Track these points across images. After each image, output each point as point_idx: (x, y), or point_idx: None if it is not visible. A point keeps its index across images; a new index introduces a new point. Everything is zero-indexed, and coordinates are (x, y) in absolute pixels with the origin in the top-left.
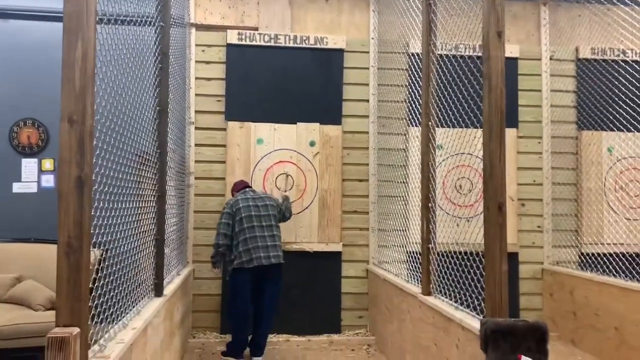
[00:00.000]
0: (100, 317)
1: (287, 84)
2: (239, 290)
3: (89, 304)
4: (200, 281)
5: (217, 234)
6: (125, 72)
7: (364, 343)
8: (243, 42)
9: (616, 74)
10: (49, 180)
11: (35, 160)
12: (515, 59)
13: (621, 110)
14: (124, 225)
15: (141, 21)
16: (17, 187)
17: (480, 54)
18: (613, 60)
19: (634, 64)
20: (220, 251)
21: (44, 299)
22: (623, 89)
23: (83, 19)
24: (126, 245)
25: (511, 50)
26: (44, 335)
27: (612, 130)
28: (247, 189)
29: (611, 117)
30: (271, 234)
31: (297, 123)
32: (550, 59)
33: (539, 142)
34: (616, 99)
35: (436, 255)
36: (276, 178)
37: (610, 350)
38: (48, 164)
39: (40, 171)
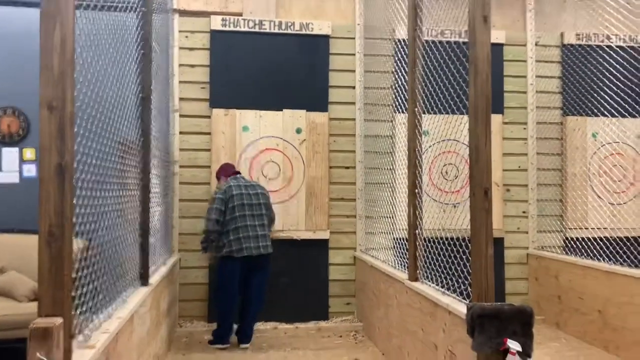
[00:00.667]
0: (85, 307)
1: (273, 70)
2: (228, 278)
3: (73, 294)
4: (186, 270)
5: (208, 219)
6: (106, 58)
7: (352, 329)
8: (227, 28)
9: (601, 60)
10: (30, 170)
11: (17, 149)
12: (501, 45)
13: (606, 96)
14: (107, 214)
15: (122, 7)
16: None
17: (466, 40)
18: (598, 46)
19: (618, 49)
20: (211, 238)
21: (28, 289)
22: (608, 74)
23: (61, 2)
24: (110, 234)
25: (497, 36)
26: (28, 326)
27: (596, 115)
28: (239, 176)
29: (596, 103)
30: (261, 223)
31: (283, 110)
32: (536, 44)
33: (524, 128)
34: (601, 84)
35: (423, 241)
36: (262, 166)
37: (593, 333)
38: (29, 153)
39: (22, 161)
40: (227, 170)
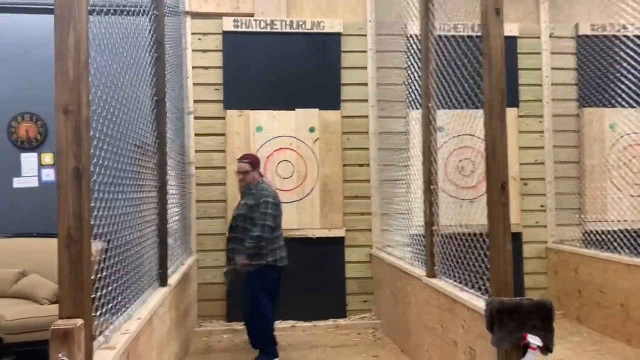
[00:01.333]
0: (105, 308)
1: (285, 70)
2: (268, 288)
3: (93, 296)
4: (204, 270)
5: (262, 225)
6: (120, 62)
7: (370, 327)
8: (239, 29)
9: (617, 50)
10: (49, 175)
11: (35, 154)
12: (515, 37)
13: (623, 86)
14: (125, 216)
15: (135, 10)
16: (17, 182)
17: (479, 34)
18: (613, 36)
19: (635, 38)
20: (262, 245)
21: (49, 292)
22: (624, 64)
23: (74, 7)
24: (129, 236)
25: (510, 28)
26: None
27: (614, 106)
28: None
29: (613, 94)
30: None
31: (296, 109)
32: (550, 36)
33: (540, 121)
34: (618, 74)
35: (440, 238)
36: (276, 165)
37: (615, 326)
38: (48, 157)
39: (40, 165)
40: (259, 165)
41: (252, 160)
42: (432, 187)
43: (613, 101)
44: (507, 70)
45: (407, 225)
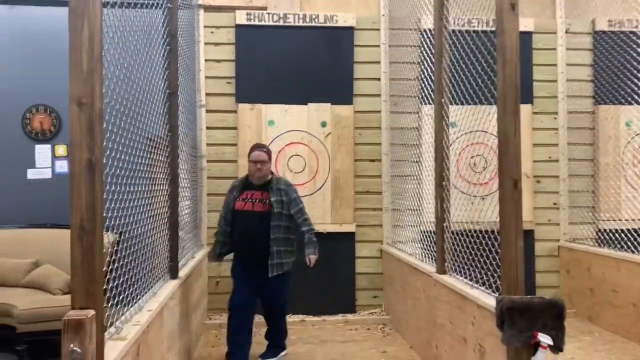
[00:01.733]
0: (117, 299)
1: (297, 64)
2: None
3: (105, 287)
4: (214, 264)
5: (310, 218)
6: (134, 55)
7: (379, 322)
8: (252, 23)
9: (634, 46)
10: (62, 166)
11: (49, 146)
12: (530, 33)
13: None
14: (137, 209)
15: (149, 3)
16: (31, 174)
17: (493, 29)
18: (631, 32)
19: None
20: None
21: (62, 282)
22: None
23: (89, 0)
24: (141, 228)
25: (525, 24)
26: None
27: (630, 104)
28: None
29: (629, 91)
30: None
31: (308, 104)
32: (566, 32)
33: (555, 118)
34: (635, 71)
35: (451, 234)
36: (288, 160)
37: (628, 326)
38: (61, 149)
39: (54, 157)
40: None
41: (269, 151)
42: (443, 183)
43: (630, 98)
44: (521, 66)
45: (418, 222)
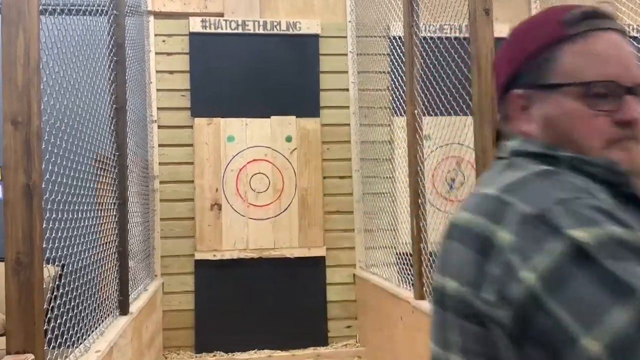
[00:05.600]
0: (60, 340)
1: (259, 74)
2: None
3: (45, 327)
4: (170, 296)
5: None
6: (76, 67)
7: (354, 355)
8: (208, 30)
9: None
10: None
11: None
12: (505, 39)
13: None
14: (82, 238)
15: (92, 10)
16: None
17: (467, 35)
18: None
19: (633, 40)
20: None
21: None
22: None
23: (24, 7)
24: (86, 259)
25: (501, 29)
26: None
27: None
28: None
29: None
30: None
31: (271, 117)
32: None
33: None
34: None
35: (429, 256)
36: (250, 179)
37: None
38: None
39: None
40: None
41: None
42: (419, 200)
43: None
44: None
45: (394, 243)
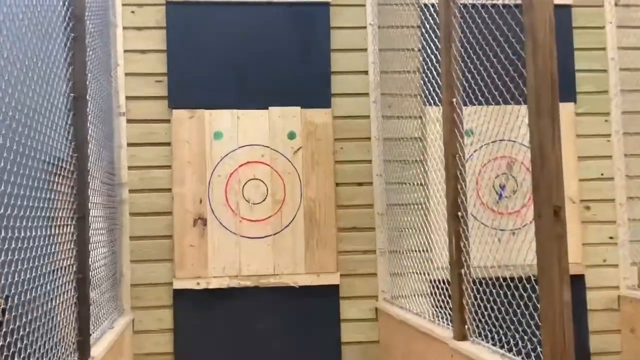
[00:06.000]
0: None
1: (254, 54)
2: None
3: None
4: (142, 335)
5: None
6: (22, 47)
7: None
8: None
9: None
10: None
11: None
12: (568, 6)
13: None
14: (31, 262)
15: None
16: None
17: (519, 2)
18: None
19: None
20: None
21: None
22: None
23: None
24: (35, 289)
25: None
26: None
27: None
28: None
29: None
30: None
31: (269, 108)
32: (615, 4)
33: (606, 120)
34: None
35: (472, 284)
36: (243, 186)
37: None
38: None
39: None
40: None
41: None
42: (459, 213)
43: None
44: (558, 52)
45: (427, 268)
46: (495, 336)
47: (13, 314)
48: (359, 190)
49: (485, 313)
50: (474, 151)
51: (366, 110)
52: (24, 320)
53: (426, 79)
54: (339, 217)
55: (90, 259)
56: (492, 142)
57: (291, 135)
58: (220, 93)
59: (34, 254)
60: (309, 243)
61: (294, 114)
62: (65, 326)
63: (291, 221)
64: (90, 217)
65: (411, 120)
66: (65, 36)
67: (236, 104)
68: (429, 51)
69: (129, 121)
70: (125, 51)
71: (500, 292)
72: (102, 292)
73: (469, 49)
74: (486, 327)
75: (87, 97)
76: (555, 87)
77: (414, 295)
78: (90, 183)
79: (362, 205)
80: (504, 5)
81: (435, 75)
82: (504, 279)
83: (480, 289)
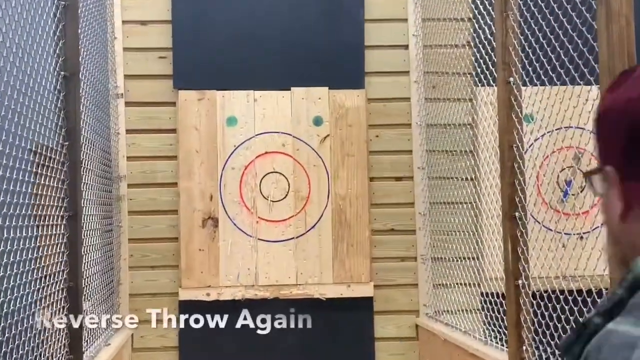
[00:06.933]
0: None
1: (274, 25)
2: None
3: None
4: (143, 354)
5: None
6: (2, 16)
7: None
8: None
9: None
10: None
11: None
12: None
13: None
14: (14, 268)
15: None
16: None
17: None
18: None
19: None
20: None
21: None
22: None
23: None
24: (19, 300)
25: None
26: None
27: None
28: None
29: None
30: None
31: (292, 88)
32: None
33: None
34: None
35: (531, 298)
36: (260, 181)
37: None
38: None
39: None
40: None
41: None
42: (516, 214)
43: None
44: (636, 22)
45: (477, 279)
46: (559, 358)
47: None
48: (397, 185)
49: (547, 332)
50: (535, 140)
51: (406, 92)
52: (6, 336)
53: (478, 55)
54: (373, 217)
55: (83, 265)
56: (556, 130)
57: (317, 121)
58: (234, 71)
59: (16, 258)
60: (337, 248)
61: (320, 95)
62: (55, 342)
63: (317, 222)
64: (82, 216)
65: (460, 103)
66: (54, 4)
67: (253, 84)
68: (481, 21)
69: (127, 104)
70: (124, 22)
71: (565, 307)
72: (97, 303)
73: (529, 19)
74: (548, 349)
75: (80, 75)
76: (633, 62)
77: (462, 311)
78: (83, 176)
79: (400, 204)
80: None
81: (489, 49)
82: (570, 292)
83: (541, 303)
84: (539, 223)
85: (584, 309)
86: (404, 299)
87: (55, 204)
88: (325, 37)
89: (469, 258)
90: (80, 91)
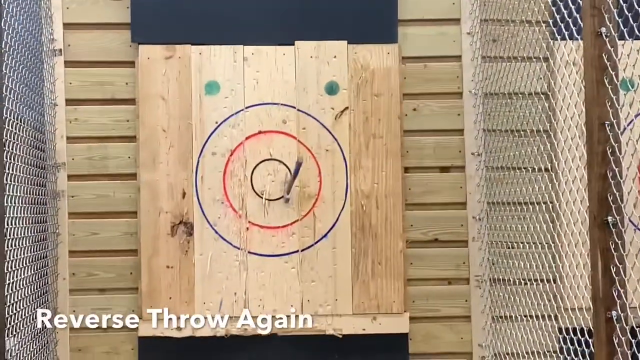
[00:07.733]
0: None
1: None
2: None
3: None
4: None
5: None
6: None
7: None
8: None
9: None
10: None
11: None
12: None
13: None
14: None
15: None
16: None
17: None
18: None
19: None
20: None
21: None
22: None
23: None
24: None
25: None
26: None
27: None
28: None
29: None
30: None
31: (296, 42)
32: None
33: None
34: None
35: (629, 336)
36: (252, 171)
37: None
38: None
39: None
40: None
41: None
42: (609, 218)
43: None
44: None
45: (554, 309)
46: None
47: None
48: (443, 179)
49: None
50: (636, 116)
51: (456, 48)
52: None
53: None
54: (409, 223)
55: (5, 288)
56: None
57: (332, 89)
58: (215, 19)
59: None
60: (359, 265)
61: (336, 52)
62: None
63: (330, 229)
64: (6, 220)
65: (531, 63)
66: None
67: (242, 37)
68: None
69: (68, 64)
70: None
71: None
72: (25, 341)
73: None
74: None
75: (1, 23)
76: None
77: (532, 353)
78: (7, 165)
79: (447, 204)
80: None
81: None
82: None
83: None
84: None
85: None
86: (452, 336)
87: None
88: None
89: (542, 280)
90: (2, 45)
